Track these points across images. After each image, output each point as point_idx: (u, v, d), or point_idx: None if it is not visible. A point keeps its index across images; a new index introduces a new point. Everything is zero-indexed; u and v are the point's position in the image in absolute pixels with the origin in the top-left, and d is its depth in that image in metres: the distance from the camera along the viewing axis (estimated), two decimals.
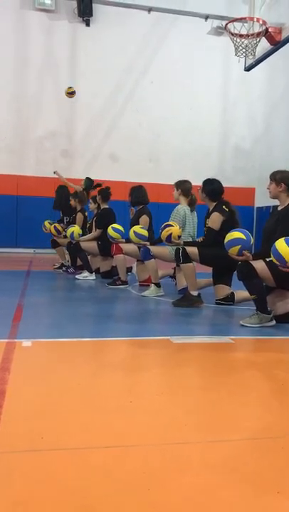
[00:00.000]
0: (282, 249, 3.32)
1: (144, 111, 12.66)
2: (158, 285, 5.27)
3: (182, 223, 5.31)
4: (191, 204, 5.55)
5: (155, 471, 1.50)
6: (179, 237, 4.78)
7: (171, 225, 4.83)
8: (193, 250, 4.62)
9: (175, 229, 4.77)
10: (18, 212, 12.03)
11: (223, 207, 4.70)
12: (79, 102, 12.42)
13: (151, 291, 5.23)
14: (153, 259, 5.23)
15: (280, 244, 3.34)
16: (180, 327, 3.91)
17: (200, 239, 4.86)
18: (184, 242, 4.82)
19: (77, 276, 6.73)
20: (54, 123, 12.31)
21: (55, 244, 7.84)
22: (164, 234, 4.79)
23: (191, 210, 5.53)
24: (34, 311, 4.19)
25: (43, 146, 12.31)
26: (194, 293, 4.65)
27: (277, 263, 3.40)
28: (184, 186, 5.51)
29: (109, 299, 5.31)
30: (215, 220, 4.64)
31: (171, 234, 4.73)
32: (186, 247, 4.63)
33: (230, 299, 4.73)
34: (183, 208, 5.42)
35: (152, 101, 12.69)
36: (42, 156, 12.18)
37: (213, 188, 4.82)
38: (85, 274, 6.71)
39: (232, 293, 4.74)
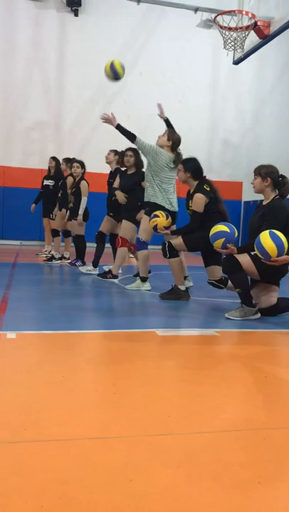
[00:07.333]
0: (266, 243, 3.34)
1: (132, 102, 12.59)
2: (143, 279, 5.16)
3: None
4: None
5: (137, 462, 1.51)
6: (166, 227, 4.69)
7: (158, 216, 4.72)
8: (178, 242, 4.58)
9: (161, 220, 4.67)
10: (4, 204, 11.93)
11: (205, 187, 4.59)
12: (67, 92, 12.32)
13: (135, 284, 5.15)
14: (145, 251, 5.11)
15: (264, 238, 3.36)
16: (166, 320, 3.92)
17: None
18: (171, 231, 4.73)
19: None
20: (41, 114, 12.20)
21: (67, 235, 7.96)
22: (150, 224, 4.73)
23: None
24: (19, 303, 4.17)
25: (30, 136, 12.20)
26: (182, 287, 4.65)
27: (261, 257, 3.43)
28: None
29: (96, 292, 5.30)
30: (199, 203, 4.52)
31: (156, 225, 4.67)
32: (171, 241, 4.60)
33: (223, 282, 4.62)
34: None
35: (141, 93, 12.62)
36: (29, 146, 12.06)
37: (196, 165, 4.70)
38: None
39: (226, 276, 4.66)
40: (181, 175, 4.73)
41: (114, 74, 5.25)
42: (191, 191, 4.69)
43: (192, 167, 4.68)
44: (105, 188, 6.66)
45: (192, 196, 4.61)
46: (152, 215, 4.77)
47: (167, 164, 5.03)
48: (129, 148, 5.82)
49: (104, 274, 5.85)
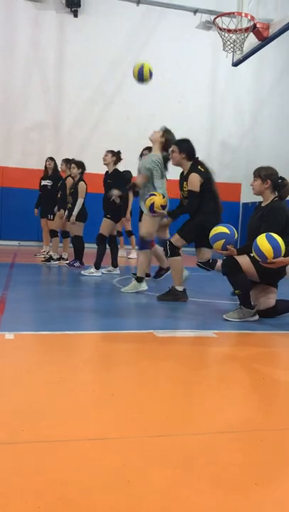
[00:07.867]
0: (263, 245, 3.38)
1: (132, 103, 12.59)
2: (139, 280, 5.04)
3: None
4: None
5: (135, 463, 1.51)
6: (163, 207, 4.64)
7: (154, 195, 4.68)
8: (176, 238, 4.57)
9: (158, 198, 4.63)
10: (2, 204, 11.92)
11: (199, 167, 4.60)
12: (66, 93, 12.32)
13: (131, 286, 5.04)
14: (148, 251, 5.05)
15: (261, 240, 3.41)
16: (164, 321, 3.93)
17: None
18: (167, 211, 4.70)
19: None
20: (41, 114, 12.19)
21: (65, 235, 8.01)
22: (147, 203, 4.67)
23: None
24: (17, 303, 4.17)
25: (29, 137, 12.18)
26: (180, 288, 4.64)
27: (258, 259, 3.46)
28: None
29: (94, 293, 5.30)
30: (194, 183, 4.52)
31: (153, 203, 4.62)
32: (170, 239, 4.60)
33: (210, 265, 4.59)
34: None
35: (140, 93, 12.61)
36: (28, 147, 12.05)
37: (190, 145, 4.69)
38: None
39: (214, 259, 4.63)
40: (175, 156, 4.68)
41: (139, 75, 5.49)
42: (185, 173, 4.68)
43: (187, 148, 4.67)
44: (101, 188, 6.64)
45: (186, 177, 4.61)
46: (148, 194, 4.73)
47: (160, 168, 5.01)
48: (147, 148, 5.83)
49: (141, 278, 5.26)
